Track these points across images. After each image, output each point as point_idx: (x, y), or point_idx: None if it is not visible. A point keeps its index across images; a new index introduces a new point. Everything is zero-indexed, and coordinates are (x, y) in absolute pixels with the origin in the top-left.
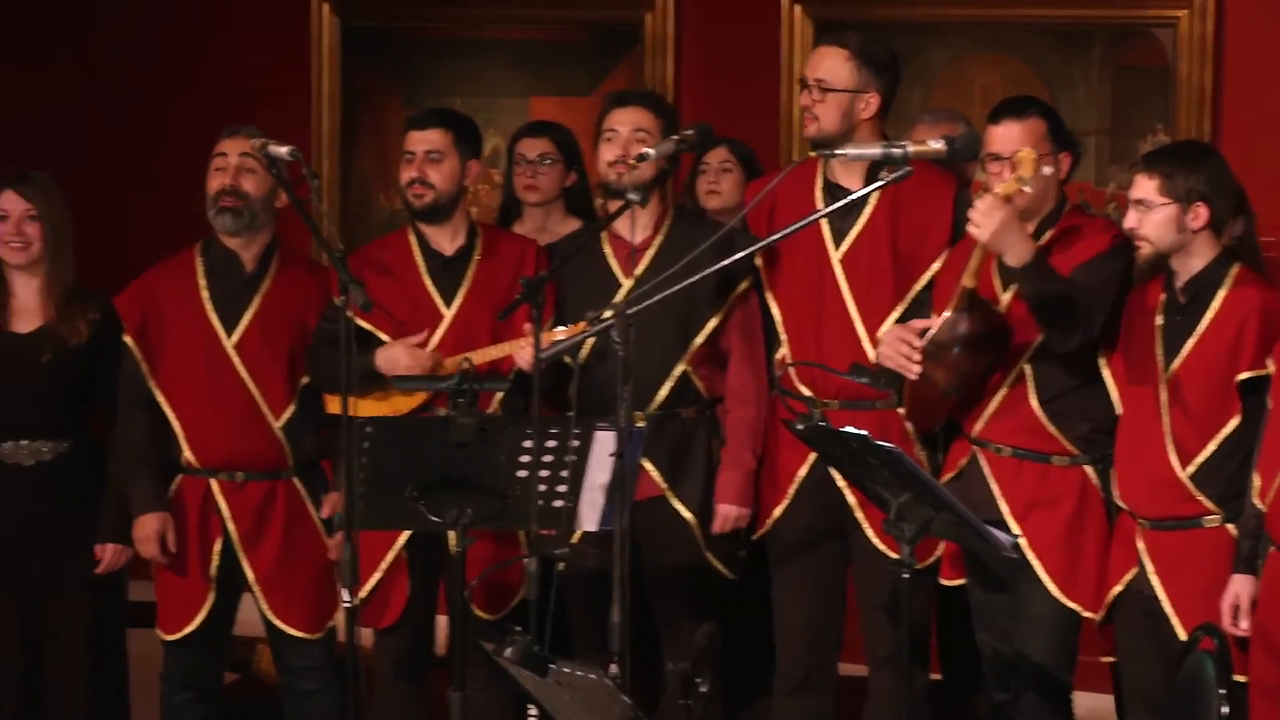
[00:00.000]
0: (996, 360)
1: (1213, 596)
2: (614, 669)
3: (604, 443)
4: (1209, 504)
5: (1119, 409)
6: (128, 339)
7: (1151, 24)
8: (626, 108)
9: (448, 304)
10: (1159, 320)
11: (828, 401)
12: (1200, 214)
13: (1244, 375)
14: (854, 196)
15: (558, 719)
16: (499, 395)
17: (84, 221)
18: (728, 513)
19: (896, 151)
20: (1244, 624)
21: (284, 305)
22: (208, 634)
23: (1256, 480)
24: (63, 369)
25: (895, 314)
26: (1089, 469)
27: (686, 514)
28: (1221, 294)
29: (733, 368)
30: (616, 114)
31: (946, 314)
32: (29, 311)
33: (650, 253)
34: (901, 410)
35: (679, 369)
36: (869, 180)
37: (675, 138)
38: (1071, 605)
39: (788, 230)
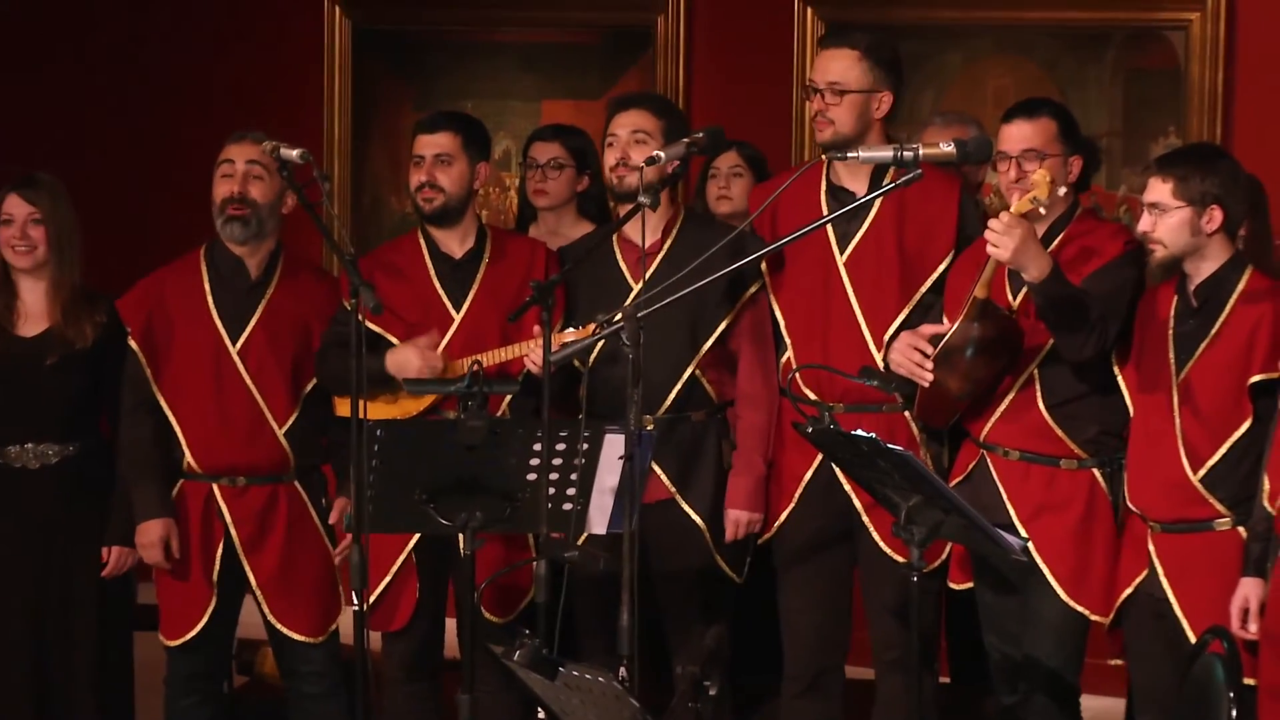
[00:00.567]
0: (1009, 366)
1: (1223, 599)
2: (623, 672)
3: (613, 446)
4: (1220, 507)
5: (1131, 412)
6: (132, 343)
7: (1164, 27)
8: (626, 111)
9: (457, 307)
10: (1171, 324)
11: (834, 405)
12: (1215, 217)
13: (1256, 378)
14: (861, 200)
15: None
16: (508, 398)
17: (93, 225)
18: (739, 518)
19: (908, 154)
20: (1253, 627)
21: (288, 311)
22: (210, 638)
23: (1267, 483)
24: (69, 372)
25: (901, 317)
26: (1097, 472)
27: (696, 517)
28: (1234, 298)
29: (743, 371)
30: (616, 119)
31: (958, 321)
32: (35, 315)
33: (660, 256)
34: (909, 414)
35: (688, 372)
36: (875, 183)
37: (686, 140)
38: (1079, 608)
39: (800, 233)
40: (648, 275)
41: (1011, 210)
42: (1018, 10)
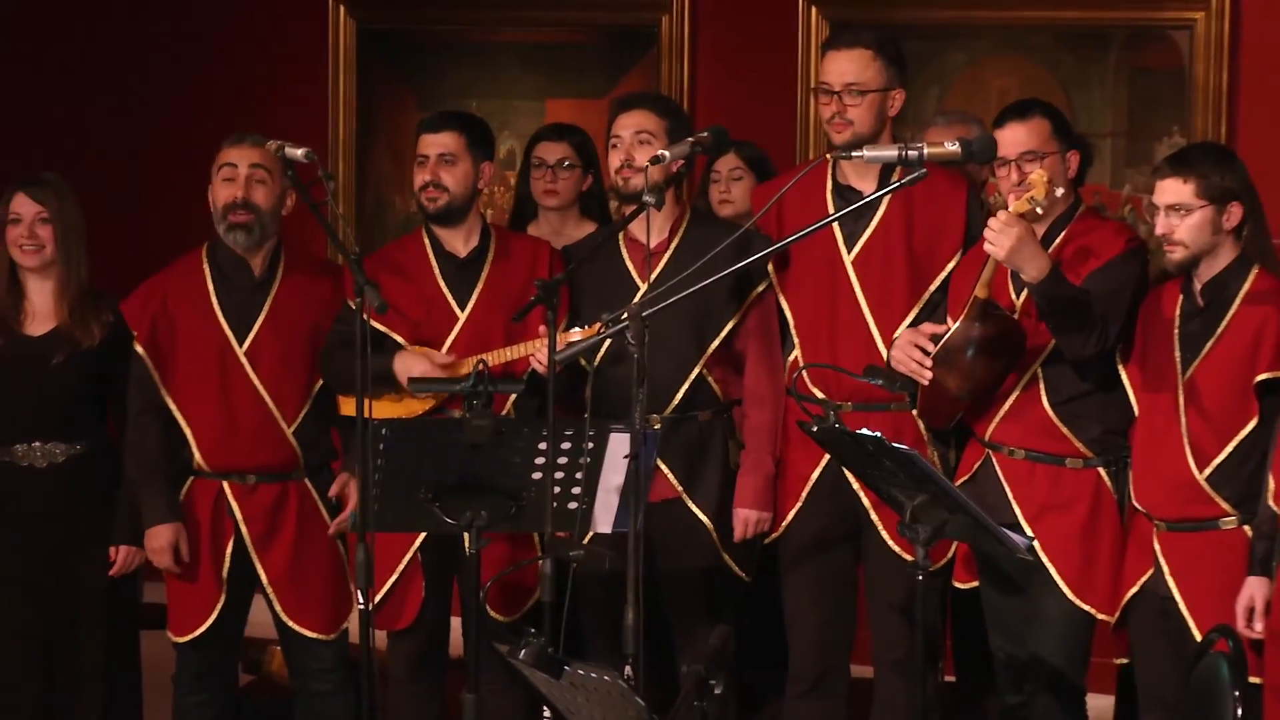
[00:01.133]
0: (1010, 366)
1: (1228, 598)
2: (628, 671)
3: (619, 445)
4: (1225, 506)
5: (1137, 411)
6: (138, 347)
7: (1168, 26)
8: (628, 112)
9: (462, 306)
10: (1177, 323)
11: (841, 404)
12: (1234, 213)
13: (1263, 376)
14: (869, 199)
15: None
16: (513, 397)
17: (99, 225)
18: (748, 517)
19: (912, 154)
20: (1259, 626)
21: (294, 309)
22: (219, 635)
23: (1271, 483)
24: (76, 371)
25: (910, 316)
26: (1102, 471)
27: (702, 516)
28: (1240, 297)
29: (749, 370)
30: (619, 120)
31: (959, 321)
32: (42, 314)
33: (667, 255)
34: (915, 411)
35: (694, 371)
36: (883, 182)
37: (690, 140)
38: (1085, 607)
39: (806, 231)
40: (654, 275)
41: (1009, 209)
42: (1021, 10)
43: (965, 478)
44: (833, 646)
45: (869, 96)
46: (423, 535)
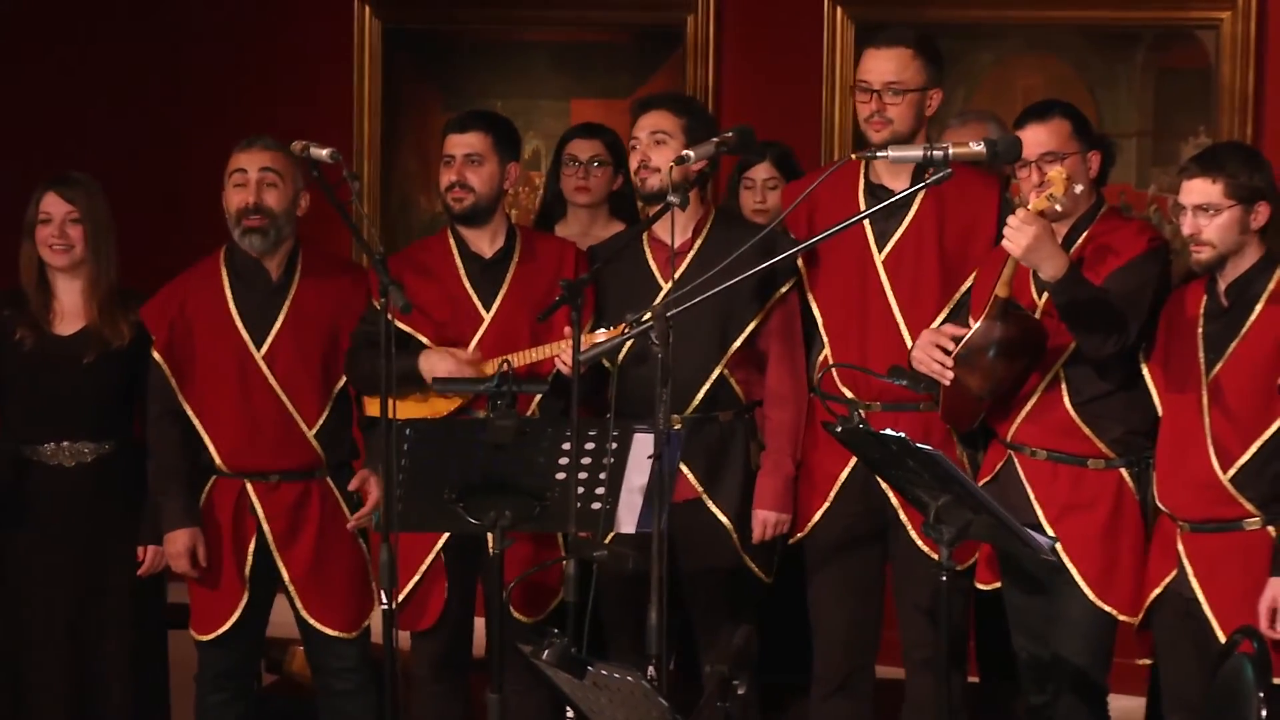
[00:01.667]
0: (1031, 365)
1: (1253, 599)
2: (651, 671)
3: (642, 445)
4: (1249, 506)
5: (1160, 412)
6: (156, 354)
7: (1194, 26)
8: (645, 113)
9: (487, 306)
10: (1201, 323)
11: (869, 404)
12: (1262, 212)
13: None
14: (897, 197)
15: None
16: (537, 397)
17: (127, 224)
18: (767, 519)
19: (938, 154)
20: None
21: (313, 310)
22: (242, 634)
23: None
24: (105, 371)
25: (941, 316)
26: (1125, 472)
27: (723, 518)
28: (1265, 297)
29: (771, 370)
30: (638, 121)
31: (980, 321)
32: (71, 313)
33: (690, 255)
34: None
35: (716, 372)
36: (914, 182)
37: (715, 140)
38: (1107, 608)
39: (832, 230)
40: (677, 275)
41: (1029, 207)
42: (1048, 9)
43: (987, 478)
44: (859, 647)
45: (908, 95)
46: (445, 535)
